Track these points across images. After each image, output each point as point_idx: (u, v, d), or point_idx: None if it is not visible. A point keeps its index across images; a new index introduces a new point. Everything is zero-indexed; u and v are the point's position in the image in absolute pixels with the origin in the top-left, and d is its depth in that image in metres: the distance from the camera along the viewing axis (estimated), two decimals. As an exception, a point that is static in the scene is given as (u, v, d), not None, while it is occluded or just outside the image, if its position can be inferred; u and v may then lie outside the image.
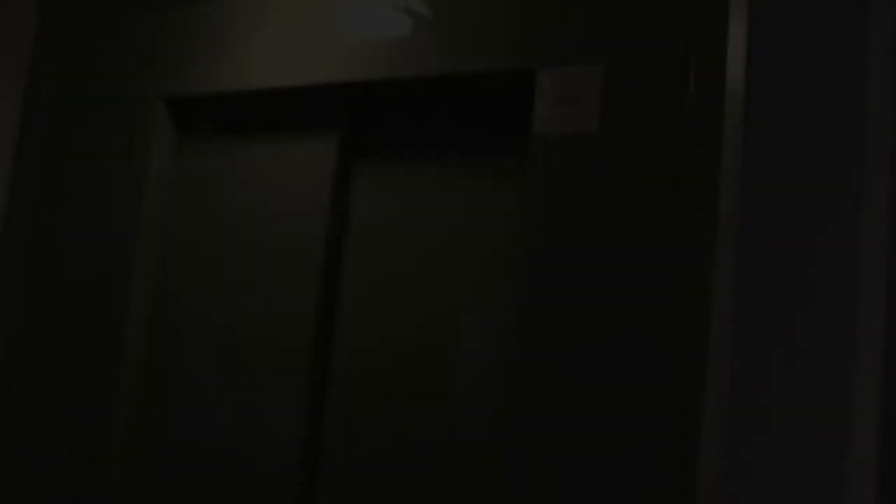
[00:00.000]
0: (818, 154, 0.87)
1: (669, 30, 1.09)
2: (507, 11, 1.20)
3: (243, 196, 1.47)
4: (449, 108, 1.35)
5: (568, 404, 1.07)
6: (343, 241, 1.40)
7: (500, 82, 1.24)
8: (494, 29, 1.20)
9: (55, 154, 1.63)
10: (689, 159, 1.04)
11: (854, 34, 0.85)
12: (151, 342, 1.53)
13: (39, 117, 1.66)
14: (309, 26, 1.37)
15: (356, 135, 1.42)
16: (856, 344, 0.80)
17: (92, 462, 1.46)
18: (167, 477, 1.46)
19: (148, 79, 1.54)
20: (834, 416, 0.79)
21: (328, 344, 1.38)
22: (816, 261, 0.85)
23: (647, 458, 1.01)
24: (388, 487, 1.29)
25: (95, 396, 1.48)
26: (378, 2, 1.29)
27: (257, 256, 1.43)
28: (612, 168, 1.09)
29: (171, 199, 1.55)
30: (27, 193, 1.64)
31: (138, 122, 1.53)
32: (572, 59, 1.14)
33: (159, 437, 1.48)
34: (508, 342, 1.21)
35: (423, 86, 1.30)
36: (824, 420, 0.80)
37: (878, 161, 0.86)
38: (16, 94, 1.67)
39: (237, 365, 1.42)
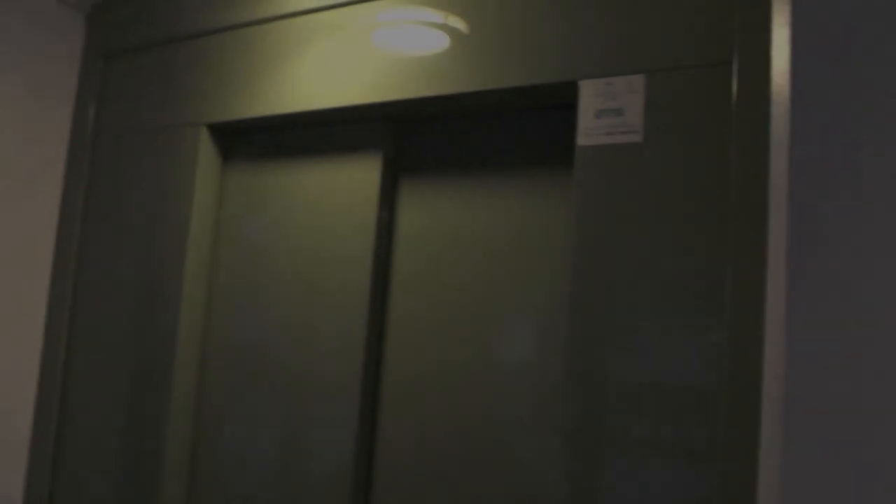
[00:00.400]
0: (868, 157, 0.86)
1: (711, 36, 1.08)
2: (547, 25, 1.20)
3: (289, 217, 1.49)
4: (492, 123, 1.35)
5: (620, 407, 1.07)
6: (390, 257, 1.41)
7: (543, 96, 1.24)
8: (534, 43, 1.21)
9: (103, 183, 1.67)
10: (735, 166, 1.04)
11: (901, 35, 0.84)
12: (202, 359, 1.54)
13: (86, 147, 1.69)
14: (349, 48, 1.38)
15: (400, 153, 1.43)
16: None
17: (147, 477, 1.48)
18: (225, 490, 1.48)
19: (191, 106, 1.56)
20: (892, 416, 0.78)
21: (378, 357, 1.39)
22: (869, 263, 0.84)
23: (704, 460, 1.01)
24: (439, 492, 1.29)
25: (148, 418, 1.50)
26: (416, 21, 1.30)
27: (305, 276, 1.45)
28: (659, 177, 1.09)
29: (217, 223, 1.57)
30: (75, 222, 1.68)
31: (182, 150, 1.55)
32: (614, 69, 1.14)
33: (213, 455, 1.50)
34: (557, 349, 1.21)
35: (466, 102, 1.31)
36: (883, 420, 0.79)
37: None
38: (63, 126, 1.71)
39: (289, 382, 1.43)
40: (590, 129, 1.14)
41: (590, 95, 1.14)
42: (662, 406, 1.04)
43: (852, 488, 0.80)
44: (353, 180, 1.42)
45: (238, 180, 1.57)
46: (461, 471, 1.28)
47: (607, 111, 1.12)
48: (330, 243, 1.42)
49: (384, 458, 1.35)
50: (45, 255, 1.67)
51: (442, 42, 1.29)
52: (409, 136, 1.43)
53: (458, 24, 1.27)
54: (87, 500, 1.56)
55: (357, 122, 1.43)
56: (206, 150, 1.55)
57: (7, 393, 1.60)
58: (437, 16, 1.29)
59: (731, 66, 1.06)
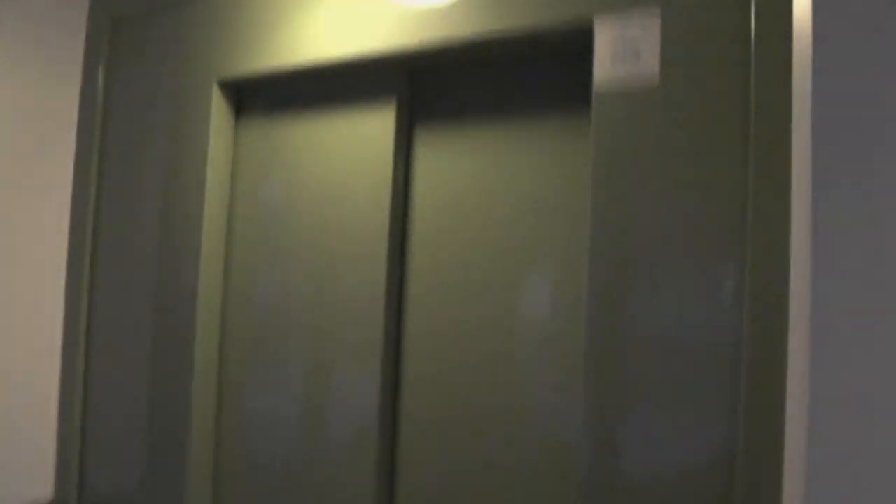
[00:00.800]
0: (894, 93, 0.83)
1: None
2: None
3: (304, 172, 1.48)
4: (508, 71, 1.32)
5: (642, 364, 1.06)
6: (407, 209, 1.40)
7: (557, 38, 1.21)
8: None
9: (115, 146, 1.66)
10: (755, 107, 1.01)
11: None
12: (222, 321, 1.56)
13: (97, 111, 1.68)
14: (357, -3, 1.35)
15: (414, 102, 1.41)
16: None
17: (172, 450, 1.51)
18: (247, 464, 1.50)
19: (200, 63, 1.54)
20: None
21: (399, 314, 1.39)
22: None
23: (730, 413, 1.00)
24: (460, 455, 1.30)
25: (171, 385, 1.52)
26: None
27: (322, 231, 1.44)
28: (677, 120, 1.07)
29: (231, 180, 1.57)
30: (89, 187, 1.68)
31: (194, 108, 1.54)
32: (628, 6, 1.10)
33: (236, 420, 1.52)
34: (578, 302, 1.20)
35: (480, 48, 1.28)
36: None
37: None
38: (73, 91, 1.70)
39: (309, 341, 1.44)
40: (606, 73, 1.11)
41: (606, 39, 1.11)
42: (686, 357, 1.03)
43: (880, 439, 0.79)
44: (367, 131, 1.40)
45: (252, 137, 1.56)
46: (485, 425, 1.29)
47: (623, 54, 1.09)
48: (346, 196, 1.42)
49: (408, 415, 1.36)
50: (61, 224, 1.68)
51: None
52: (424, 86, 1.41)
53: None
54: (115, 468, 1.59)
55: (369, 72, 1.41)
56: (219, 108, 1.53)
57: (31, 364, 1.63)
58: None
59: (749, 2, 1.02)
